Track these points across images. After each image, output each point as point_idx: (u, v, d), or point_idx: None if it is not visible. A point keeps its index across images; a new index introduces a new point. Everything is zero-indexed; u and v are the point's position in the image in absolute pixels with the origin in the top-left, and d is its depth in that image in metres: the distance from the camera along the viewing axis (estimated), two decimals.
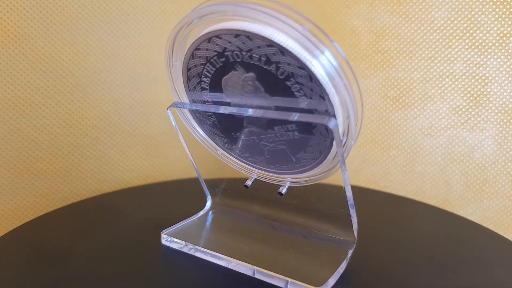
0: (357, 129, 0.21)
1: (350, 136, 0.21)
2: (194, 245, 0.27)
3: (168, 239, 0.28)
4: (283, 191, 0.26)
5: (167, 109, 0.27)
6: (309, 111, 0.21)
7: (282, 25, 0.19)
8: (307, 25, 0.19)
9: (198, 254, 0.26)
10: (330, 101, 0.20)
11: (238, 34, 0.20)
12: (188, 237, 0.28)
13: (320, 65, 0.19)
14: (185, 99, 0.27)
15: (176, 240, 0.28)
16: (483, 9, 0.40)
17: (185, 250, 0.27)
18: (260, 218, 0.31)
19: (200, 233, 0.29)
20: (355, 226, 0.25)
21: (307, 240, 0.27)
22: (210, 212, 0.32)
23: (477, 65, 0.41)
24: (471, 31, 0.41)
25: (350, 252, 0.25)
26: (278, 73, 0.21)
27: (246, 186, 0.28)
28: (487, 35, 0.40)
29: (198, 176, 0.31)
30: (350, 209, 0.24)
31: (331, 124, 0.20)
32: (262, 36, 0.20)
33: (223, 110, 0.24)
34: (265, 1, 0.19)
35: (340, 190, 0.23)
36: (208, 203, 0.33)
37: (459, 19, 0.41)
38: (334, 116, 0.20)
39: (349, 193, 0.23)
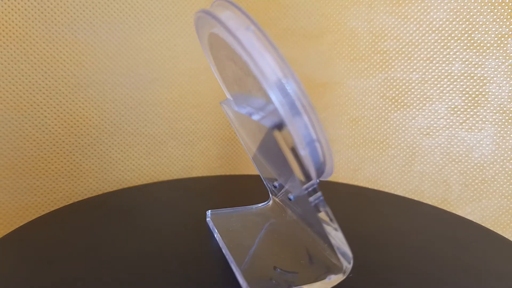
0: (322, 140, 0.19)
1: (303, 146, 0.19)
2: (217, 234, 0.28)
3: (209, 220, 0.29)
4: (292, 197, 0.25)
5: (220, 103, 0.28)
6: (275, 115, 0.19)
7: (230, 26, 0.19)
8: (252, 26, 0.19)
9: (218, 241, 0.28)
10: (273, 102, 0.18)
11: (214, 36, 0.21)
12: (222, 224, 0.29)
13: (257, 62, 0.18)
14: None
15: (212, 225, 0.29)
16: (481, 10, 0.40)
17: (215, 236, 0.28)
18: (287, 221, 0.30)
19: (234, 224, 0.30)
20: (345, 260, 0.22)
21: (308, 253, 0.26)
22: (262, 207, 0.33)
23: (475, 66, 0.41)
24: (469, 32, 0.41)
25: (329, 278, 0.23)
26: (245, 73, 0.20)
27: (275, 187, 0.28)
28: (485, 35, 0.40)
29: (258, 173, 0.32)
30: (339, 252, 0.22)
31: (265, 122, 0.18)
32: (219, 36, 0.20)
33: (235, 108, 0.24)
34: (230, 4, 0.20)
35: (332, 205, 0.22)
36: (268, 200, 0.33)
37: (457, 20, 0.41)
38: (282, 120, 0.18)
39: (327, 229, 0.21)
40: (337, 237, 0.22)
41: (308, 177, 0.20)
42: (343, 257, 0.22)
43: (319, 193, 0.21)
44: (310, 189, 0.20)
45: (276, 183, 0.28)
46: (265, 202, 0.33)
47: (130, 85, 0.44)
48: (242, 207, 0.32)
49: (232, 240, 0.27)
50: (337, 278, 0.23)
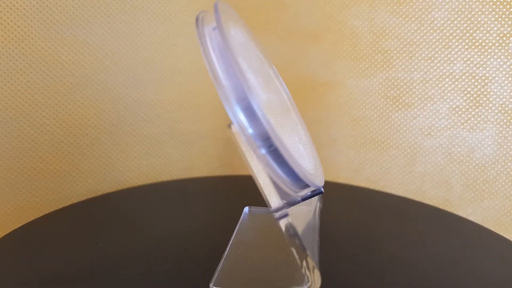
0: (278, 144, 0.18)
1: (256, 148, 0.18)
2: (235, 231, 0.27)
3: (243, 215, 0.29)
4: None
5: None
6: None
7: (199, 25, 0.20)
8: (218, 28, 0.19)
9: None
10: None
11: None
12: (250, 222, 0.29)
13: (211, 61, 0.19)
14: None
15: (240, 221, 0.29)
16: (483, 9, 0.40)
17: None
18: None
19: (258, 224, 0.29)
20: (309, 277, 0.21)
21: (294, 263, 0.25)
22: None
23: (477, 65, 0.41)
24: (471, 31, 0.41)
25: None
26: None
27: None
28: (487, 35, 0.40)
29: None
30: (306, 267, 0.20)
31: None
32: None
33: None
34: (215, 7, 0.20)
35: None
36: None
37: (459, 19, 0.41)
38: None
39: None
40: (301, 253, 0.21)
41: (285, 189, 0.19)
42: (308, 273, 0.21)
43: (284, 211, 0.20)
44: (282, 204, 0.20)
45: None
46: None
47: (129, 85, 0.44)
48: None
49: (240, 240, 0.26)
50: None
